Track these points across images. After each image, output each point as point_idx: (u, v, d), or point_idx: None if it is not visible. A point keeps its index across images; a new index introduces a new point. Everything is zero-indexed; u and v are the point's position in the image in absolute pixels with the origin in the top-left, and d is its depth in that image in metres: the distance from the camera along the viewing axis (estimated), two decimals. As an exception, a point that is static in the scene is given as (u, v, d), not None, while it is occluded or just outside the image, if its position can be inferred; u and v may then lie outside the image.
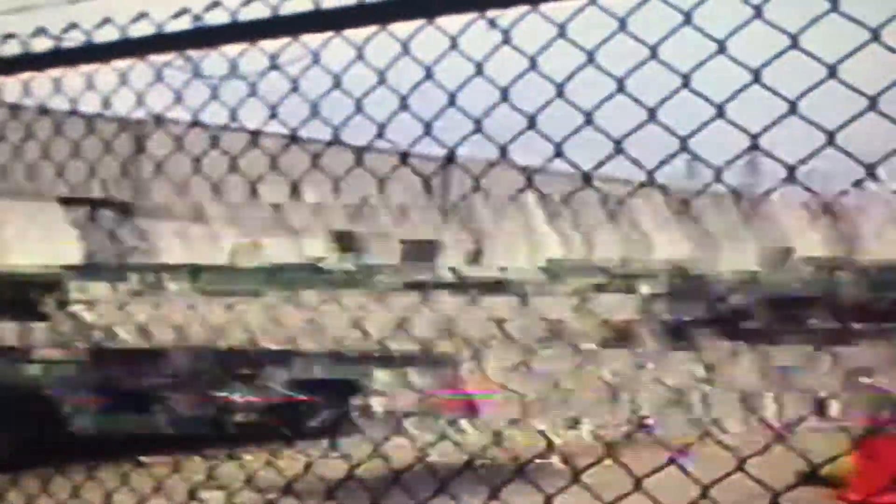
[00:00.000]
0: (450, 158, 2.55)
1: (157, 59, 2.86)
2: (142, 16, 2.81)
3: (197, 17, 2.74)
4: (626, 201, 2.30)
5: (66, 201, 3.25)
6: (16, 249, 3.04)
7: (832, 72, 2.00)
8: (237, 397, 12.69)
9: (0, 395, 10.98)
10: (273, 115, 2.75)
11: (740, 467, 2.21)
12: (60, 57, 3.01)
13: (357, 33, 2.55)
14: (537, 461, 2.64)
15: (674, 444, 2.39)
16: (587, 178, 2.37)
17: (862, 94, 1.96)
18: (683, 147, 2.20)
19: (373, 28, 2.52)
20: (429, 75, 2.52)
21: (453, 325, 2.42)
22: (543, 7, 2.31)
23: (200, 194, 2.99)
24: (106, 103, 3.05)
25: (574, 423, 2.21)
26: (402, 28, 2.51)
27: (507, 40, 2.39)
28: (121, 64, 2.93)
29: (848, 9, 2.01)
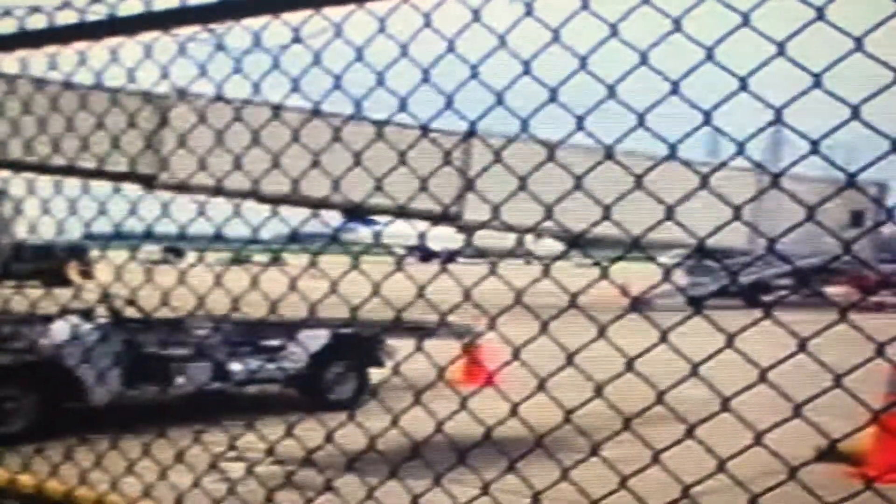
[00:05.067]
0: (471, 132, 2.55)
1: (181, 32, 2.87)
2: (165, -12, 2.82)
3: (219, -10, 2.74)
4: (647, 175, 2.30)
5: (90, 174, 3.26)
6: (41, 222, 3.07)
7: (858, 45, 1.99)
8: (257, 367, 12.76)
9: (23, 363, 11.10)
10: (295, 89, 2.76)
11: (758, 441, 2.22)
12: (85, 31, 3.02)
13: (379, 6, 2.55)
14: (555, 434, 2.66)
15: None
16: (609, 152, 2.37)
17: (889, 67, 1.94)
18: (706, 121, 2.20)
19: (395, 0, 2.52)
20: (451, 48, 2.52)
21: (472, 295, 2.45)
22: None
23: (223, 167, 3.01)
24: (130, 77, 3.06)
25: (594, 396, 2.23)
26: (424, 0, 2.50)
27: (529, 12, 2.38)
28: (144, 37, 2.94)
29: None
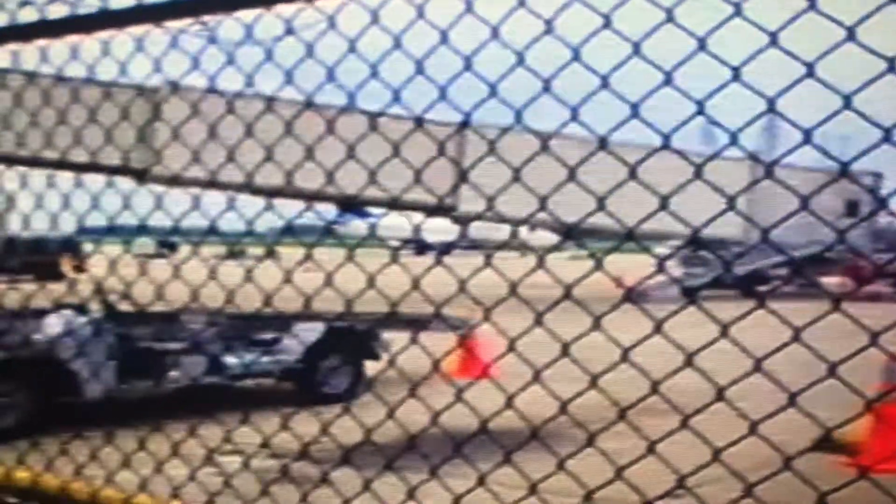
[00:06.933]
0: (465, 123, 2.55)
1: (173, 25, 2.86)
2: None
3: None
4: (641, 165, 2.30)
5: (83, 168, 3.25)
6: (34, 216, 3.06)
7: (850, 34, 1.98)
8: (252, 361, 12.76)
9: (17, 357, 11.10)
10: (288, 81, 2.76)
11: (753, 431, 2.22)
12: (77, 24, 3.01)
13: (372, -3, 2.55)
14: (551, 425, 2.66)
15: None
16: (603, 143, 2.36)
17: (880, 56, 1.94)
18: (700, 111, 2.19)
19: (388, -8, 2.51)
20: (444, 39, 2.52)
21: (467, 287, 2.45)
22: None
23: (216, 160, 3.00)
24: (122, 70, 3.05)
25: (589, 387, 2.23)
26: (417, -8, 2.49)
27: (522, 3, 2.38)
28: (137, 30, 2.93)
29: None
